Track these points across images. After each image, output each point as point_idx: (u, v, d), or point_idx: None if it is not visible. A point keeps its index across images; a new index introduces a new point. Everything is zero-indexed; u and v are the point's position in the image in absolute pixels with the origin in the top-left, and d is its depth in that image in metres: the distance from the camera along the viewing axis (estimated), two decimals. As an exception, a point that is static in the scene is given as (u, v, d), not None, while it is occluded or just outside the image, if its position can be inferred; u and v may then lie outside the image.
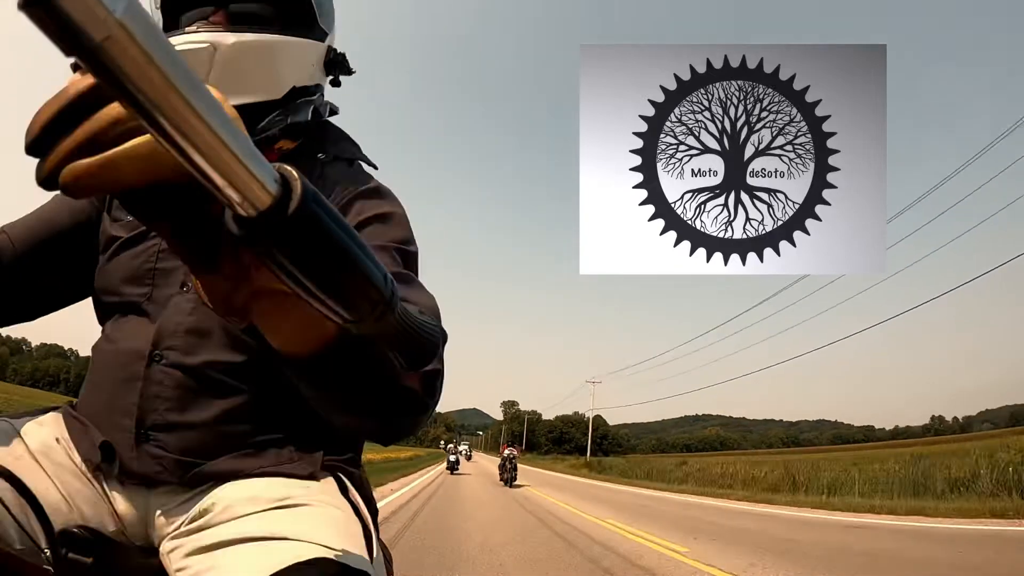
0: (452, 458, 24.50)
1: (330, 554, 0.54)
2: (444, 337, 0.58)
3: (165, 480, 0.68)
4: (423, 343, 0.70)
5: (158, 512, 0.68)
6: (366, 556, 0.57)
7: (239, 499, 0.63)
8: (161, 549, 0.66)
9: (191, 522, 0.64)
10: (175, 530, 0.66)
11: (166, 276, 0.74)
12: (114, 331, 0.75)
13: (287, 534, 0.56)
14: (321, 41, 0.85)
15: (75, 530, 0.61)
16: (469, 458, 30.09)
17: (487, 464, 46.06)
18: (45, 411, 0.75)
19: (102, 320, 0.79)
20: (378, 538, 0.67)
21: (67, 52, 0.20)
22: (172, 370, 0.70)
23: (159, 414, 0.69)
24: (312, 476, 0.69)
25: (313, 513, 0.60)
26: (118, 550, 0.65)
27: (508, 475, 18.32)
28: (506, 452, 19.39)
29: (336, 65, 0.88)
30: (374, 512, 0.74)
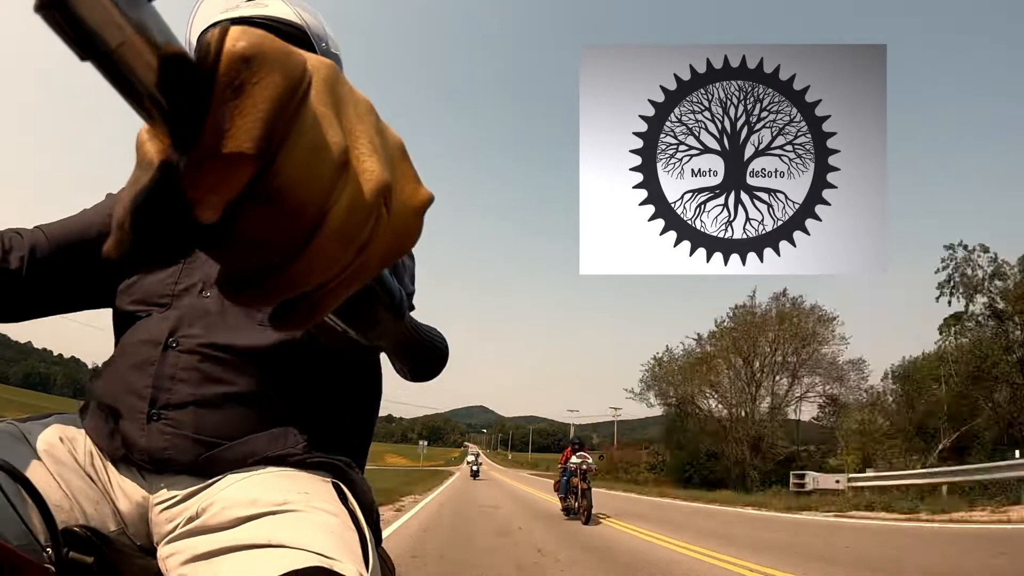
0: (475, 468, 31.96)
1: (325, 562, 0.53)
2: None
3: (172, 460, 0.69)
4: (430, 354, 0.70)
5: (158, 510, 0.68)
6: (362, 565, 0.57)
7: (238, 501, 0.62)
8: (160, 553, 0.65)
9: (189, 522, 0.64)
10: (174, 529, 0.65)
11: (186, 288, 0.78)
12: (133, 328, 0.78)
13: (284, 541, 0.56)
14: None
15: (77, 529, 0.60)
16: (477, 472, 32.65)
17: (498, 475, 41.67)
18: (50, 415, 0.76)
19: (121, 327, 0.81)
20: (376, 547, 0.67)
21: (82, 56, 0.19)
22: (186, 355, 0.73)
23: (171, 394, 0.71)
24: (310, 464, 0.71)
25: (310, 520, 0.60)
26: (119, 550, 0.64)
27: (580, 503, 9.20)
28: (573, 460, 9.76)
29: None
30: (374, 520, 0.74)
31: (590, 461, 9.69)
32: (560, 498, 10.44)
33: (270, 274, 0.23)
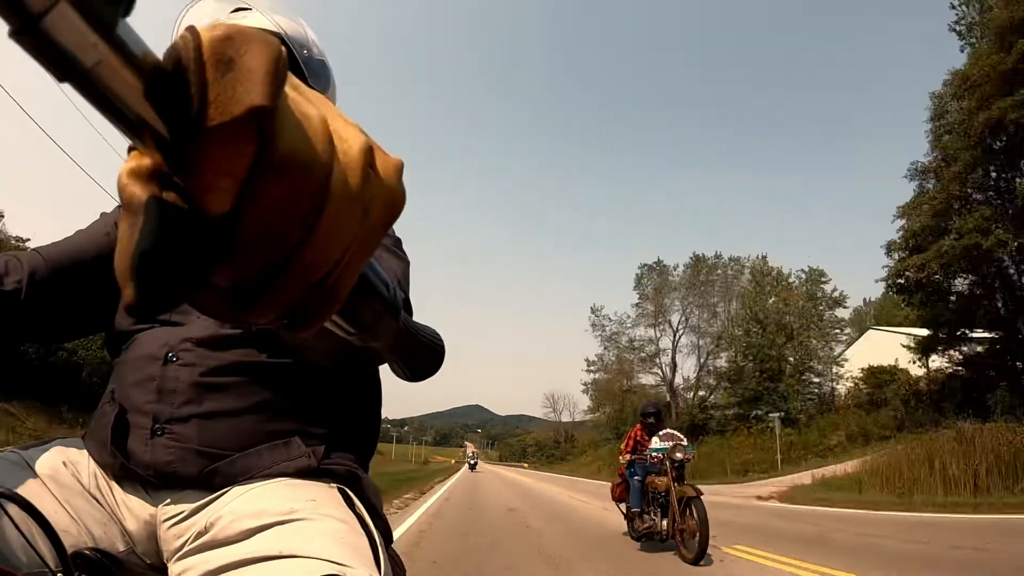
0: (472, 462, 41.09)
1: (338, 570, 0.54)
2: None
3: (177, 474, 0.69)
4: (427, 352, 0.70)
5: (166, 526, 0.67)
6: (375, 569, 0.57)
7: (245, 513, 0.62)
8: (171, 570, 0.65)
9: (198, 537, 0.64)
10: (183, 545, 0.65)
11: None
12: (131, 345, 0.77)
13: (295, 551, 0.56)
14: None
15: (87, 552, 0.60)
16: (475, 465, 38.94)
17: (507, 471, 41.70)
18: (51, 440, 0.75)
19: (119, 345, 0.80)
20: (387, 550, 0.67)
21: (60, 78, 0.19)
22: (186, 368, 0.73)
23: (174, 408, 0.71)
24: (317, 471, 0.71)
25: (319, 528, 0.60)
26: (130, 570, 0.65)
27: (681, 525, 4.78)
28: (656, 445, 5.37)
29: None
30: (383, 523, 0.74)
31: (685, 445, 5.31)
32: (630, 514, 5.74)
33: (285, 267, 0.23)
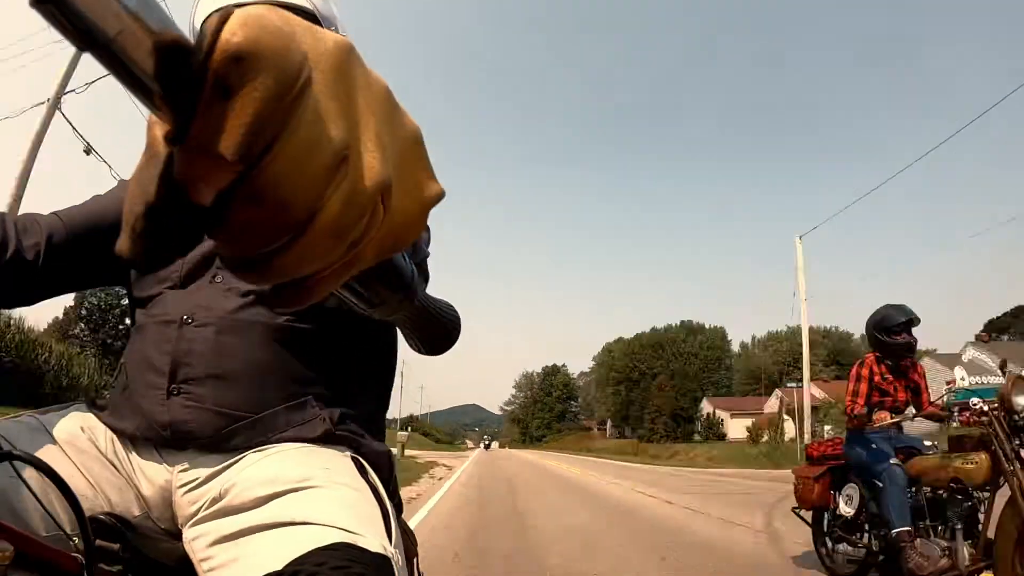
0: (484, 444, 50.67)
1: (349, 538, 0.54)
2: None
3: (194, 433, 0.70)
4: (443, 327, 0.70)
5: (181, 492, 0.69)
6: (385, 538, 0.58)
7: (259, 480, 0.63)
8: (185, 536, 0.66)
9: (213, 503, 0.65)
10: (198, 511, 0.66)
11: (197, 271, 0.79)
12: (149, 309, 0.79)
13: (307, 518, 0.57)
14: None
15: (103, 516, 0.61)
16: (488, 446, 46.53)
17: (525, 455, 32.47)
18: (69, 405, 0.77)
19: (137, 309, 0.82)
20: (398, 519, 0.68)
21: (80, 48, 0.19)
22: (202, 329, 0.74)
23: (190, 368, 0.72)
24: (330, 437, 0.72)
25: (332, 496, 0.61)
26: (145, 535, 0.66)
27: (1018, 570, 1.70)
28: (962, 385, 2.74)
29: None
30: (395, 492, 0.75)
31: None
32: (902, 539, 2.55)
33: (264, 259, 0.23)
